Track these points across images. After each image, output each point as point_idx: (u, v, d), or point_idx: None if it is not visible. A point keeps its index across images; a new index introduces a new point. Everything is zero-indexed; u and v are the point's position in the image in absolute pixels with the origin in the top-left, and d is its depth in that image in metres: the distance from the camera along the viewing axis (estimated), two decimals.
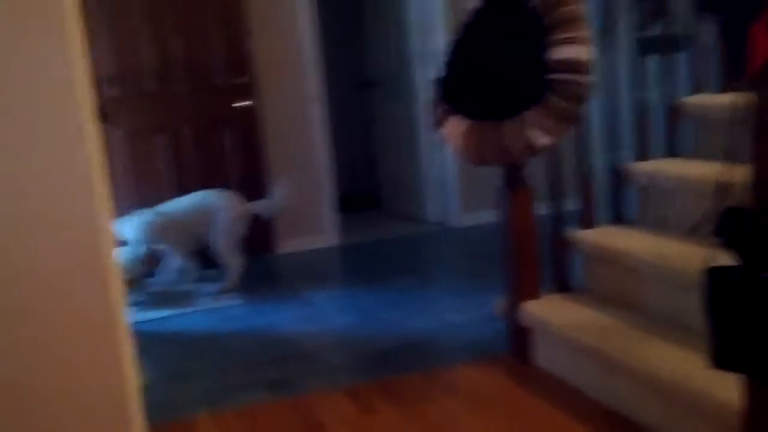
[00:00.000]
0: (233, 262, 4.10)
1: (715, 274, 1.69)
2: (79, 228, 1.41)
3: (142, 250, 3.97)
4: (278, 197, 4.23)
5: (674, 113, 3.03)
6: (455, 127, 2.72)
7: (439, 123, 2.80)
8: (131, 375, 1.56)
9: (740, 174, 1.72)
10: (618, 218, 2.98)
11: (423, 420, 2.43)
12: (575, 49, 2.51)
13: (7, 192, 1.34)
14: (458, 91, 2.76)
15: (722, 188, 1.78)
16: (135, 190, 4.41)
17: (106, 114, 2.14)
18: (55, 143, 1.36)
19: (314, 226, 4.97)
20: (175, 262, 4.15)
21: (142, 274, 4.05)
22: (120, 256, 3.83)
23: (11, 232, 1.35)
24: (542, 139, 2.54)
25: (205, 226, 4.06)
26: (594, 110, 3.68)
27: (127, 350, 1.53)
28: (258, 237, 4.69)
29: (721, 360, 1.68)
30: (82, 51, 1.43)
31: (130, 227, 3.93)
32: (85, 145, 1.39)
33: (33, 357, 1.39)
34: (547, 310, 2.71)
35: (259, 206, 4.22)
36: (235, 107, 4.52)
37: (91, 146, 1.42)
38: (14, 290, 1.37)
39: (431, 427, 2.38)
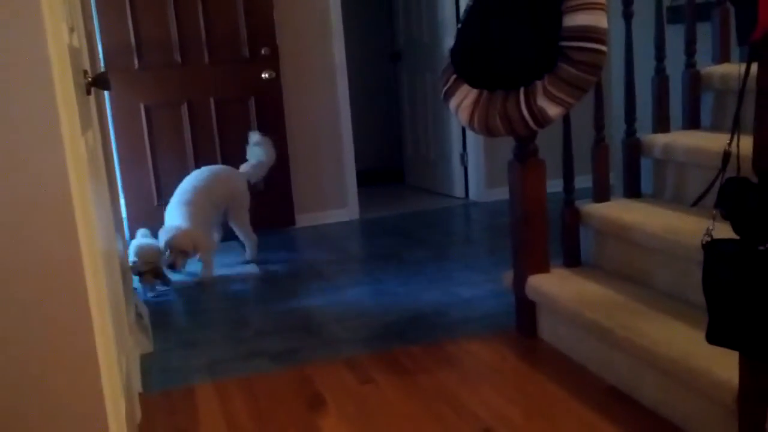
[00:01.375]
0: (252, 235, 4.14)
1: (712, 246, 1.62)
2: (54, 241, 1.31)
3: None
4: (259, 156, 4.17)
5: (694, 84, 2.92)
6: (464, 98, 2.66)
7: (449, 93, 2.74)
8: (115, 399, 1.53)
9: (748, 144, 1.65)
10: (632, 192, 2.89)
11: (420, 391, 2.40)
12: (591, 16, 2.43)
13: None
14: (468, 61, 2.69)
15: (728, 158, 1.70)
16: (158, 164, 4.43)
17: (106, 81, 2.12)
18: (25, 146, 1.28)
19: (335, 200, 4.96)
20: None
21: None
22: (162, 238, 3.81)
23: None
24: (554, 110, 2.47)
25: (225, 202, 4.04)
26: (610, 80, 3.59)
27: (108, 373, 1.48)
28: (278, 210, 4.70)
29: (716, 335, 1.61)
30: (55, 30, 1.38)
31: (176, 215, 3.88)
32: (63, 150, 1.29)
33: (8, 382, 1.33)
34: (554, 284, 2.65)
35: (248, 172, 4.19)
36: (259, 79, 4.50)
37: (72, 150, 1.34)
38: None
39: (428, 398, 2.35)
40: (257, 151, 4.18)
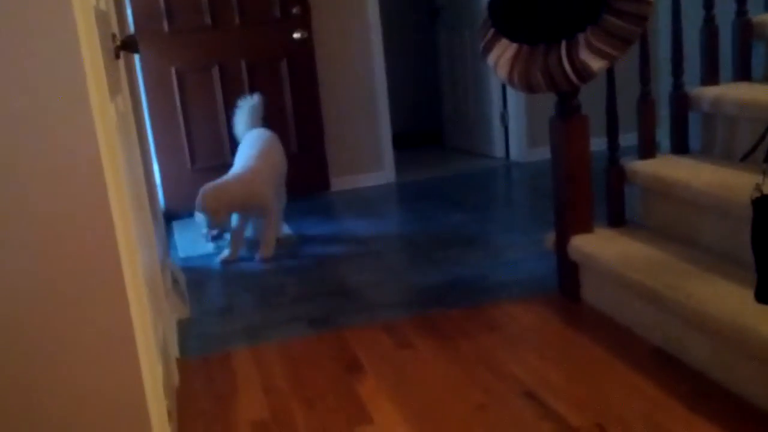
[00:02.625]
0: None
1: (762, 202, 1.53)
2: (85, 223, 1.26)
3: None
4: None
5: (745, 33, 2.77)
6: (503, 52, 2.57)
7: (487, 48, 2.65)
8: (151, 363, 1.50)
9: None
10: (680, 148, 2.77)
11: (460, 355, 2.35)
12: None
13: None
14: (507, 13, 2.59)
15: None
16: (191, 128, 4.41)
17: (135, 44, 2.08)
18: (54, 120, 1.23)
19: (371, 164, 4.89)
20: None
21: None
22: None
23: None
24: (597, 63, 2.37)
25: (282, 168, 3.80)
26: (657, 31, 3.45)
27: (144, 337, 1.45)
28: (312, 174, 4.66)
29: (764, 294, 1.53)
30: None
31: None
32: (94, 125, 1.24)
33: (40, 368, 1.30)
34: (598, 245, 2.57)
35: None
36: (290, 39, 4.43)
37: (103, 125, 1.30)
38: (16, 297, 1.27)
39: (468, 362, 2.30)
40: (248, 118, 3.89)
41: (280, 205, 3.80)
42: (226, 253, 3.60)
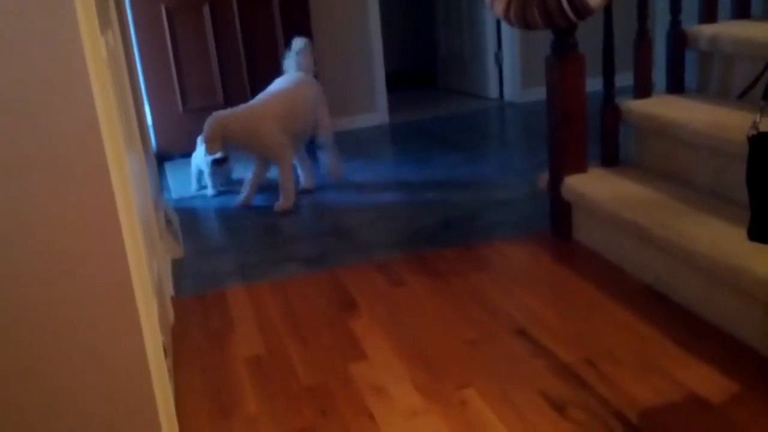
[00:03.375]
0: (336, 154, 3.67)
1: (759, 140, 1.53)
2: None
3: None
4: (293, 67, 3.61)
5: None
6: None
7: None
8: (146, 301, 1.50)
9: None
10: (676, 87, 2.76)
11: (453, 293, 2.37)
12: None
13: None
14: None
15: None
16: (182, 69, 4.34)
17: None
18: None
19: (364, 104, 4.84)
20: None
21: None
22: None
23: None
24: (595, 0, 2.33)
25: (312, 117, 3.53)
26: None
27: (139, 273, 1.45)
28: None
29: (759, 232, 1.54)
30: None
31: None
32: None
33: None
34: (591, 184, 2.57)
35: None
36: None
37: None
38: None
39: (461, 300, 2.32)
40: (293, 62, 3.59)
41: (295, 156, 3.54)
42: (240, 197, 3.52)
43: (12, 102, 1.19)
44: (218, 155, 3.40)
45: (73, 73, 1.20)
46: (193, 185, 3.80)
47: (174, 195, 3.75)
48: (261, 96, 3.48)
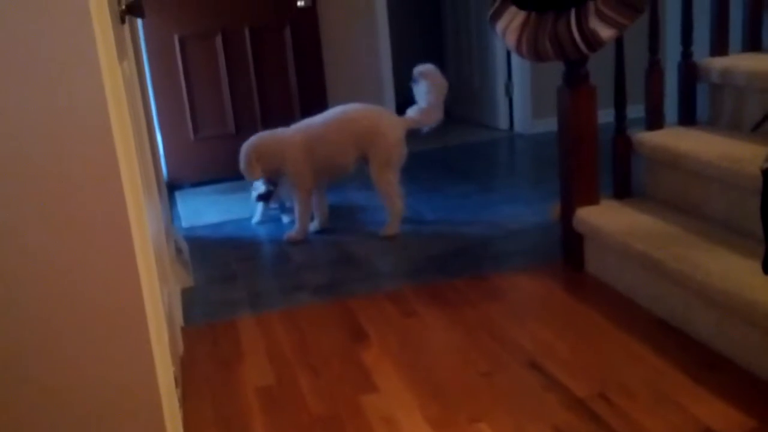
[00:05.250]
0: (396, 203, 3.29)
1: None
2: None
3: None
4: (432, 95, 3.28)
5: (756, 4, 2.74)
6: (512, 20, 2.54)
7: (495, 16, 2.62)
8: (159, 331, 1.50)
9: None
10: (687, 119, 2.76)
11: (465, 324, 2.36)
12: None
13: None
14: None
15: None
16: (194, 97, 4.37)
17: (141, 9, 2.05)
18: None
19: None
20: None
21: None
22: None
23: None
24: (606, 32, 2.35)
25: (350, 154, 3.29)
26: (664, 1, 3.41)
27: (152, 304, 1.44)
28: None
29: None
30: None
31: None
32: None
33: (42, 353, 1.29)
34: (603, 216, 2.56)
35: (415, 117, 3.33)
36: (294, 7, 4.37)
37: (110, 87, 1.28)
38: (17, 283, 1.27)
39: (472, 331, 2.30)
40: (422, 88, 3.30)
41: (315, 193, 3.36)
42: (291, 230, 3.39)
43: (33, 129, 1.20)
44: (262, 190, 3.38)
45: (91, 101, 1.21)
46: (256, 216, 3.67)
47: (184, 224, 3.76)
48: (304, 121, 3.39)
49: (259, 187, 3.53)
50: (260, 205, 3.62)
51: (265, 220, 3.64)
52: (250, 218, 3.70)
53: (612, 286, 2.52)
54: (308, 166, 3.26)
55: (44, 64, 1.18)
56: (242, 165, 3.29)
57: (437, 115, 3.32)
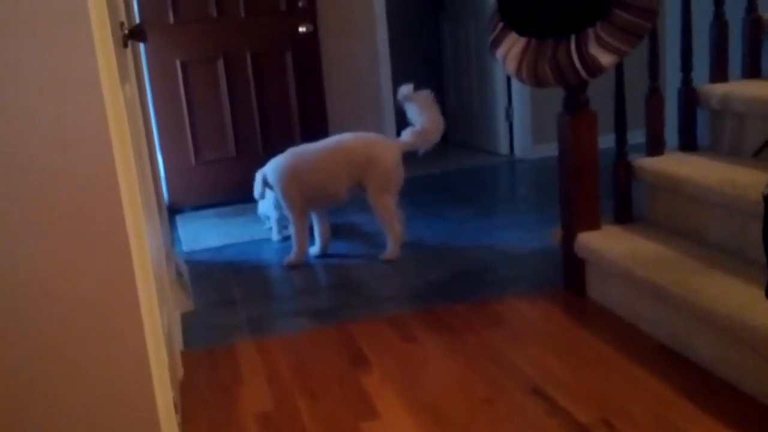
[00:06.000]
0: (395, 227, 3.28)
1: None
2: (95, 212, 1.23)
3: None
4: (425, 116, 3.29)
5: (755, 30, 2.76)
6: (512, 46, 2.56)
7: (495, 43, 2.63)
8: (158, 356, 1.49)
9: None
10: (688, 145, 2.76)
11: (465, 350, 2.34)
12: None
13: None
14: (516, 7, 2.58)
15: None
16: (195, 121, 4.39)
17: (143, 33, 2.07)
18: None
19: None
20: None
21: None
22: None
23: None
24: (606, 58, 2.36)
25: (342, 183, 3.28)
26: (666, 26, 3.43)
27: (152, 329, 1.44)
28: None
29: None
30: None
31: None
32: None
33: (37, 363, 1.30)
34: (604, 241, 2.56)
35: (409, 140, 3.34)
36: (296, 32, 4.41)
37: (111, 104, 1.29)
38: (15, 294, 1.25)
39: (473, 357, 2.29)
40: (412, 110, 3.32)
41: (316, 217, 3.39)
42: (314, 249, 3.43)
43: (35, 150, 1.20)
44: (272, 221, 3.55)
45: (94, 124, 1.21)
46: (274, 236, 3.72)
47: (185, 248, 3.75)
48: (301, 146, 3.41)
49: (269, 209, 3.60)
50: (277, 223, 3.65)
51: (288, 236, 3.59)
52: (250, 242, 3.70)
53: (613, 311, 2.51)
54: (296, 191, 3.27)
55: (48, 87, 1.18)
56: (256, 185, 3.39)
57: (433, 136, 3.31)
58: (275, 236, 3.71)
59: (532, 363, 2.22)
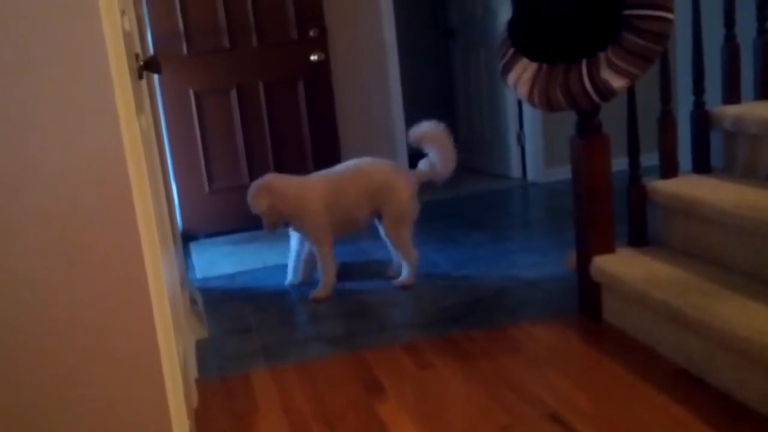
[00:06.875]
0: (411, 253, 3.27)
1: None
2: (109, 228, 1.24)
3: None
4: (440, 151, 3.26)
5: (767, 52, 2.76)
6: (523, 71, 2.57)
7: (506, 68, 2.64)
8: (174, 384, 1.50)
9: None
10: (701, 167, 2.75)
11: (482, 376, 2.33)
12: None
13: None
14: (527, 32, 2.59)
15: None
16: (209, 151, 4.42)
17: (158, 65, 2.09)
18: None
19: None
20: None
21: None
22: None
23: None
24: (618, 82, 2.37)
25: (364, 209, 3.24)
26: (677, 49, 3.44)
27: (168, 358, 1.45)
28: None
29: None
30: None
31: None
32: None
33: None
34: (620, 265, 2.54)
35: (427, 170, 3.30)
36: (307, 61, 4.44)
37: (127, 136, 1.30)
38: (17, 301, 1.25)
39: (490, 383, 2.27)
40: (426, 146, 3.29)
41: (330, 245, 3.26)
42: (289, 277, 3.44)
43: (54, 179, 1.21)
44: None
45: (111, 154, 1.22)
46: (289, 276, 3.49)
47: (199, 275, 3.76)
48: (322, 171, 3.33)
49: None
50: (293, 261, 3.44)
51: (305, 281, 3.43)
52: (264, 269, 3.70)
53: (631, 336, 2.49)
54: (326, 218, 3.19)
55: (66, 118, 1.20)
56: (251, 195, 3.15)
57: (449, 168, 3.29)
58: (291, 278, 3.47)
59: (550, 389, 2.20)
